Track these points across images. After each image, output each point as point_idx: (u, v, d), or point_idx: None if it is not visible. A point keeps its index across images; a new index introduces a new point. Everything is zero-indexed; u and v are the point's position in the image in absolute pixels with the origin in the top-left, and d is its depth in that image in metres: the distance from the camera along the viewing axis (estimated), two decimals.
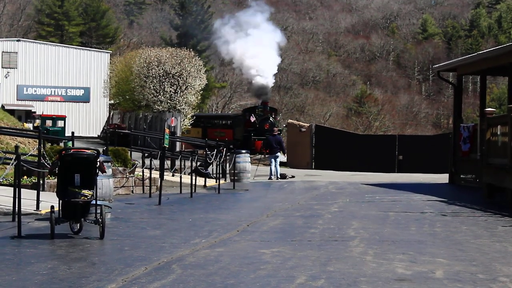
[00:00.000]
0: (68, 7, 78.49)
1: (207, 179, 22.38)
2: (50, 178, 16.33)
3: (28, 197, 12.78)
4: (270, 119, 49.03)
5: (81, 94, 61.74)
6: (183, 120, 38.65)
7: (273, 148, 27.98)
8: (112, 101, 55.51)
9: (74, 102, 61.41)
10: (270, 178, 27.16)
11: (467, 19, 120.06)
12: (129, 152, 21.69)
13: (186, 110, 39.16)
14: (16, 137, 21.86)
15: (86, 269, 7.84)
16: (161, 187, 16.51)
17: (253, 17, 57.39)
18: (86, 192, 10.03)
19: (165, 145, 17.37)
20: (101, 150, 12.06)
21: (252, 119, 49.19)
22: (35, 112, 55.87)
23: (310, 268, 7.92)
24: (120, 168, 18.79)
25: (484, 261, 8.53)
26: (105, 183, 11.97)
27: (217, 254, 8.85)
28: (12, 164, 11.80)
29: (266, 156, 29.70)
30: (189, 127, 42.02)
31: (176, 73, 38.18)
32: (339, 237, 10.54)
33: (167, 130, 17.82)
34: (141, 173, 19.44)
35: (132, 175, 19.20)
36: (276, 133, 31.78)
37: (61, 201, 10.07)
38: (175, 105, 38.23)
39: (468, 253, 9.08)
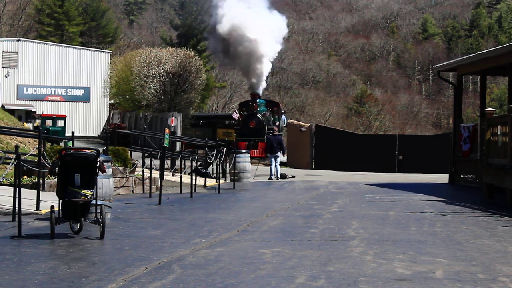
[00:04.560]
0: (68, 7, 78.41)
1: (207, 179, 22.39)
2: (50, 178, 16.34)
3: (28, 197, 12.78)
4: (258, 115, 41.56)
5: (81, 94, 61.73)
6: (183, 120, 38.66)
7: (273, 148, 27.99)
8: (112, 101, 55.53)
9: (74, 102, 61.39)
10: (270, 178, 27.17)
11: (467, 19, 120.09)
12: (129, 152, 21.70)
13: (186, 110, 39.19)
14: (16, 137, 21.86)
15: (86, 269, 7.83)
16: (161, 187, 16.51)
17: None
18: (86, 191, 10.03)
19: (165, 145, 17.37)
20: (101, 150, 12.06)
21: (236, 116, 42.34)
22: (35, 112, 55.87)
23: (310, 268, 7.92)
24: (120, 168, 18.78)
25: (484, 261, 8.53)
26: (105, 183, 11.97)
27: (217, 254, 8.85)
28: (12, 164, 11.80)
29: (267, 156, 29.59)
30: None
31: (176, 73, 38.18)
32: (339, 237, 10.54)
33: (167, 130, 17.81)
34: (141, 173, 19.43)
35: (132, 175, 19.20)
36: (276, 132, 31.77)
37: (61, 200, 10.07)
38: (175, 105, 38.23)
39: (468, 253, 9.08)
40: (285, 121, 45.88)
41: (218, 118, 50.51)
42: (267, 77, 50.28)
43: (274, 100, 57.05)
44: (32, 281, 7.10)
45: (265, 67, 46.32)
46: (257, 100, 42.78)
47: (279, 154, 28.17)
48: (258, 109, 41.89)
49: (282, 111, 46.22)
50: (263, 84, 47.87)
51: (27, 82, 60.35)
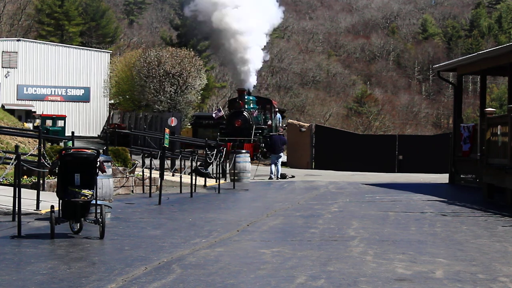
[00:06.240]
0: (68, 6, 78.45)
1: (207, 179, 22.38)
2: (50, 178, 16.34)
3: (28, 197, 12.78)
4: (244, 113, 38.00)
5: (81, 94, 61.74)
6: (183, 120, 38.61)
7: (277, 148, 27.79)
8: (112, 101, 55.53)
9: (74, 102, 61.41)
10: (270, 178, 27.09)
11: (467, 19, 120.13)
12: (129, 152, 21.69)
13: (186, 110, 39.16)
14: (16, 137, 21.87)
15: (86, 269, 7.83)
16: (161, 187, 16.51)
17: None
18: (86, 191, 10.03)
19: (165, 145, 17.36)
20: (101, 150, 12.06)
21: (220, 113, 39.02)
22: (35, 112, 55.89)
23: (310, 268, 7.92)
24: (120, 168, 18.78)
25: (484, 261, 8.53)
26: (105, 183, 11.97)
27: (217, 254, 8.84)
28: (12, 164, 11.80)
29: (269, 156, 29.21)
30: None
31: (176, 73, 38.17)
32: (339, 237, 10.54)
33: (167, 130, 17.81)
34: (141, 173, 19.44)
35: (132, 175, 19.20)
36: (281, 132, 31.61)
37: (61, 200, 10.06)
38: (175, 105, 38.20)
39: (468, 253, 9.08)
40: (280, 120, 43.57)
41: None
42: (260, 73, 47.53)
43: (273, 99, 55.21)
44: (32, 281, 7.10)
45: (254, 59, 42.95)
46: (246, 97, 39.26)
47: (281, 154, 28.07)
48: (245, 107, 38.59)
49: (277, 109, 43.45)
50: (254, 79, 44.57)
51: (27, 82, 60.35)
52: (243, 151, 26.49)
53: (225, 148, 25.15)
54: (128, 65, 43.60)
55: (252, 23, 42.35)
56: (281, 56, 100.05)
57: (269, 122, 41.12)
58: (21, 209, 10.56)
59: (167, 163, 22.89)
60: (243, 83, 41.90)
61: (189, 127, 42.59)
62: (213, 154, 23.13)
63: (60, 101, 61.04)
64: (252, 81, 43.61)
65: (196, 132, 42.05)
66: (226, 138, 35.91)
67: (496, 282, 7.28)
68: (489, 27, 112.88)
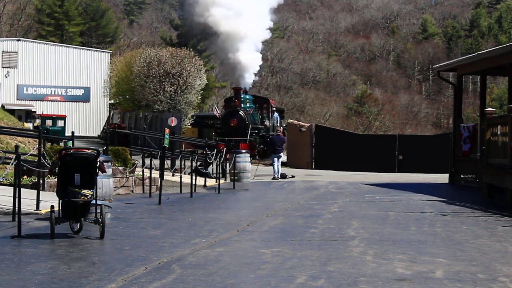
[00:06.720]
0: (68, 6, 78.42)
1: (207, 179, 22.38)
2: (50, 177, 16.33)
3: (28, 196, 12.78)
4: (240, 112, 37.62)
5: (81, 94, 61.71)
6: (183, 120, 38.58)
7: (277, 148, 27.83)
8: (112, 101, 55.49)
9: (74, 102, 61.37)
10: (274, 178, 27.01)
11: (467, 19, 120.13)
12: (129, 152, 21.69)
13: (186, 110, 39.09)
14: (16, 137, 21.87)
15: (86, 269, 7.83)
16: (161, 187, 16.50)
17: None
18: (86, 191, 10.03)
19: (165, 145, 17.35)
20: (101, 150, 12.05)
21: (217, 113, 38.85)
22: (35, 112, 55.86)
23: (310, 268, 7.92)
24: (120, 168, 18.78)
25: (484, 261, 8.53)
26: (105, 182, 11.97)
27: (217, 254, 8.84)
28: (12, 164, 11.79)
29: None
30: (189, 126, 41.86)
31: (176, 73, 38.11)
32: (339, 237, 10.54)
33: (167, 130, 17.80)
34: (141, 173, 19.43)
35: (132, 175, 19.20)
36: (280, 133, 31.62)
37: (61, 200, 10.06)
38: (175, 105, 38.16)
39: (468, 253, 9.08)
40: (278, 119, 43.38)
41: None
42: (259, 71, 45.99)
43: (272, 98, 54.49)
44: (32, 281, 7.10)
45: (252, 56, 42.22)
46: (242, 96, 38.87)
47: (281, 154, 28.11)
48: (242, 106, 38.16)
49: (274, 109, 42.99)
50: (251, 77, 44.00)
51: (27, 82, 60.32)
52: (243, 151, 26.48)
53: (225, 148, 25.16)
54: (128, 65, 43.53)
55: (248, 17, 42.03)
56: (281, 56, 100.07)
57: (266, 122, 40.92)
58: (21, 209, 10.56)
59: (167, 163, 22.88)
60: (240, 81, 41.22)
61: (189, 127, 42.55)
62: (213, 154, 23.13)
63: (60, 101, 61.01)
64: (249, 79, 43.16)
65: (201, 132, 42.09)
66: (226, 138, 35.85)
67: (496, 282, 7.28)
68: (489, 27, 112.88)
